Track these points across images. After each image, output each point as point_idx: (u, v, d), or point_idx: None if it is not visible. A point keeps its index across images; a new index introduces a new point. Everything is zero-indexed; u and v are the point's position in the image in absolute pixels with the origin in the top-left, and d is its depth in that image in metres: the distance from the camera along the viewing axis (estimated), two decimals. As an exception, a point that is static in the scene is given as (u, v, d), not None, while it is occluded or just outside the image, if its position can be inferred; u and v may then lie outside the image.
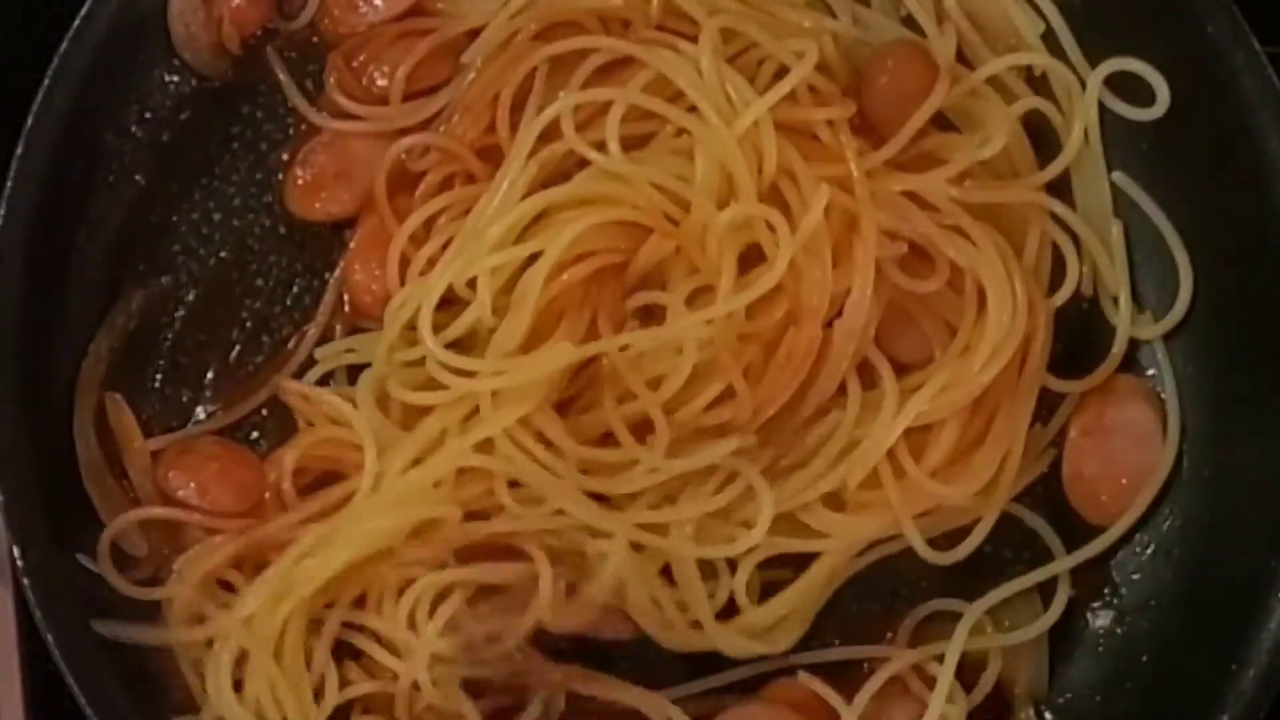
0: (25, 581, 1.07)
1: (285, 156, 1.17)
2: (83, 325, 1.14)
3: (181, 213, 1.17)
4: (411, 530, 1.10)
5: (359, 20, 1.17)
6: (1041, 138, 1.19)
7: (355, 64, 1.16)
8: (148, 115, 1.16)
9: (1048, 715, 1.18)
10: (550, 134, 1.11)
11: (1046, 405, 1.18)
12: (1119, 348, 1.18)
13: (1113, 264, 1.18)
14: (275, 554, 1.10)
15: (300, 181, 1.16)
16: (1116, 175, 1.19)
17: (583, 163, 1.11)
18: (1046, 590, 1.17)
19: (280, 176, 1.17)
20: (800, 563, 1.14)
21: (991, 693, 1.16)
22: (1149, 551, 1.17)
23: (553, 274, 1.08)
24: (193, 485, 1.11)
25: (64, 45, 1.10)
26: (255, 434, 1.16)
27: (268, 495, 1.12)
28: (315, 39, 1.18)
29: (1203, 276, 1.17)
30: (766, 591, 1.14)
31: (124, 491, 1.13)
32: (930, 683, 1.14)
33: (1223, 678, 1.12)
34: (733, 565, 1.13)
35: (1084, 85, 1.18)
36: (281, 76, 1.17)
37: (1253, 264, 1.14)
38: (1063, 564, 1.17)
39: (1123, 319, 1.18)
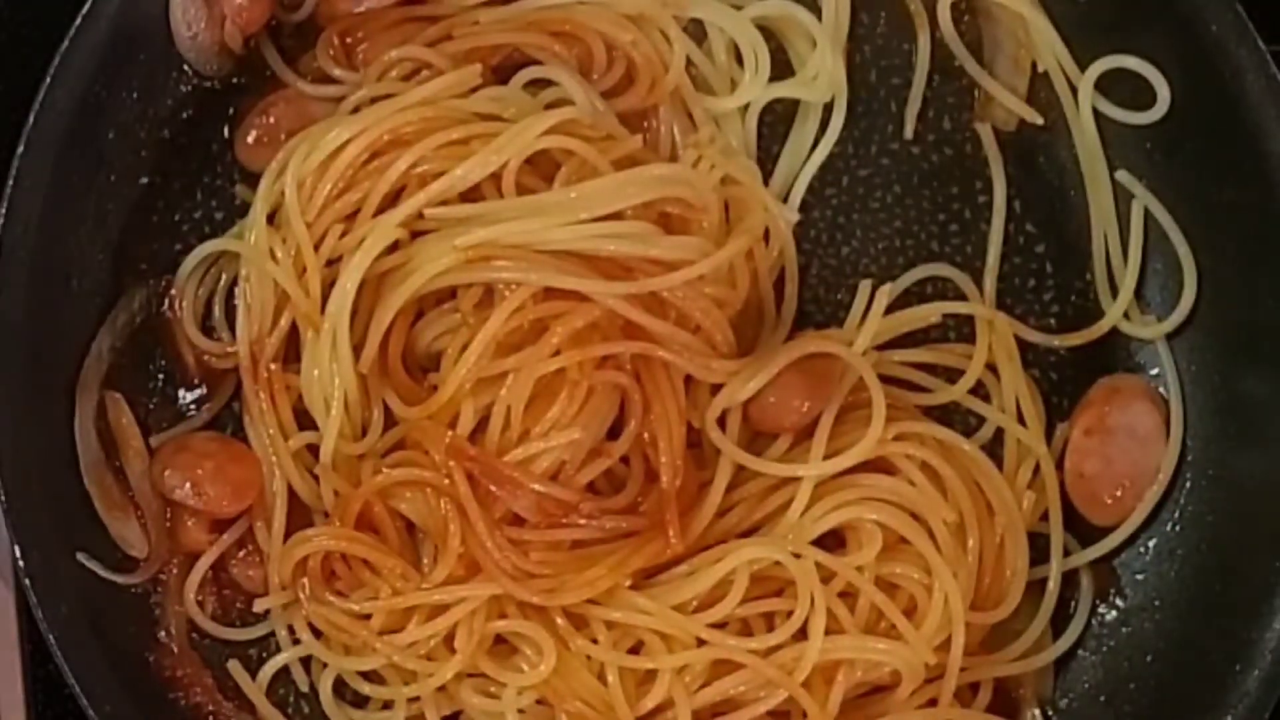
0: (26, 582, 1.06)
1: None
2: (84, 324, 1.13)
3: (184, 212, 1.17)
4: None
5: (356, 3, 1.17)
6: (1034, 142, 1.20)
7: (348, 40, 1.16)
8: (149, 114, 1.16)
9: (1052, 716, 1.17)
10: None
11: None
12: (1110, 319, 1.19)
13: (1125, 263, 1.18)
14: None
15: (253, 133, 1.16)
16: (1120, 174, 1.19)
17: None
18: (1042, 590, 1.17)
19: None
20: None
21: (996, 694, 1.16)
22: (1153, 552, 1.17)
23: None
24: (189, 485, 1.11)
25: (65, 44, 1.09)
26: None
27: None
28: (314, 26, 1.17)
29: (1207, 276, 1.16)
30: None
31: (125, 491, 1.13)
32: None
33: (1227, 679, 1.12)
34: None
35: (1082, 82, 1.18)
36: (269, 57, 1.17)
37: (1258, 263, 1.14)
38: (1067, 563, 1.17)
39: (1116, 310, 1.18)
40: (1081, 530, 1.18)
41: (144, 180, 1.16)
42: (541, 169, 1.12)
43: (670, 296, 1.11)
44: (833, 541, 1.14)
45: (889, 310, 1.17)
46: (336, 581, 1.13)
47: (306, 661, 1.15)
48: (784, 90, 1.18)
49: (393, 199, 1.11)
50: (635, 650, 1.12)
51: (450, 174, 1.10)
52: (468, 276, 1.10)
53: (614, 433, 1.12)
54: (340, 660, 1.13)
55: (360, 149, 1.11)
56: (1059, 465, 1.17)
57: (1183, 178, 1.17)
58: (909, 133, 1.20)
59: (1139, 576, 1.18)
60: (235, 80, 1.17)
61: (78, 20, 1.10)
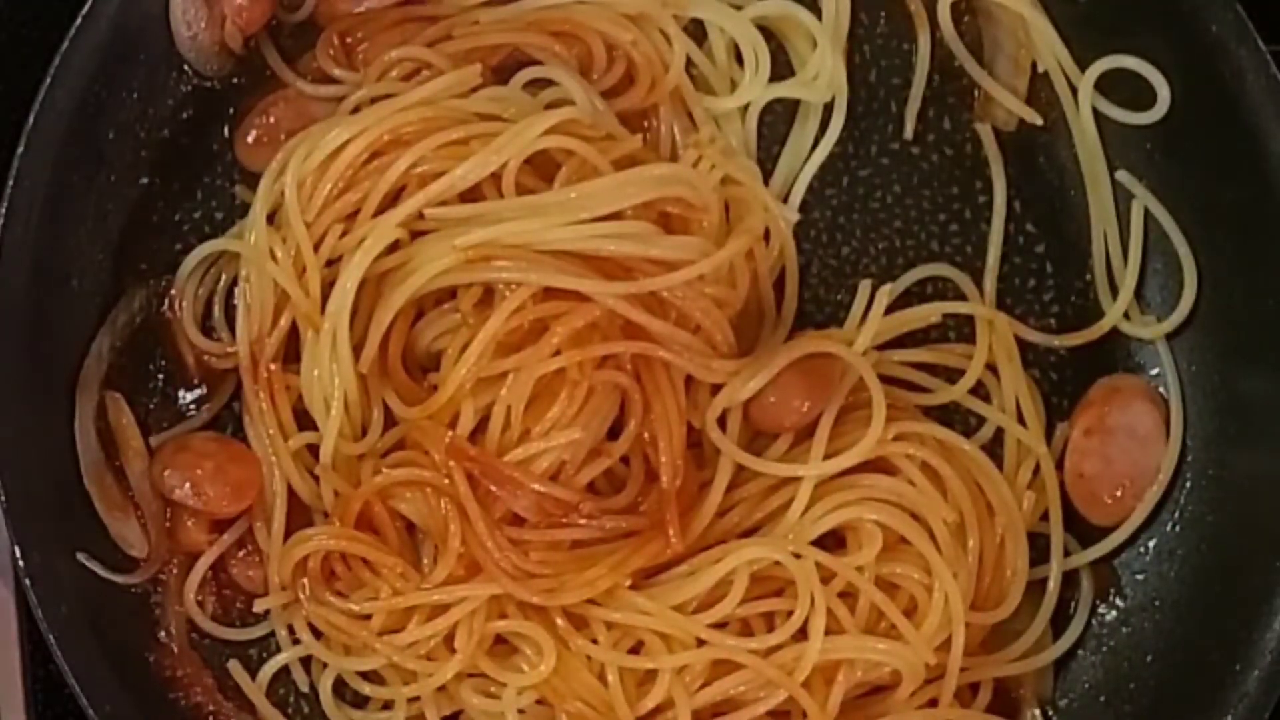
0: (26, 582, 1.06)
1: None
2: (84, 324, 1.13)
3: (184, 212, 1.17)
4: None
5: (356, 3, 1.17)
6: (1034, 142, 1.20)
7: (348, 40, 1.16)
8: (149, 114, 1.16)
9: (1052, 716, 1.17)
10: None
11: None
12: (1110, 320, 1.19)
13: (1125, 263, 1.18)
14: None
15: (253, 133, 1.16)
16: (1120, 174, 1.19)
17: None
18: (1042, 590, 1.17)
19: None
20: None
21: (997, 694, 1.16)
22: (1153, 552, 1.17)
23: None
24: (188, 485, 1.11)
25: (65, 45, 1.09)
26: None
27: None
28: (314, 26, 1.17)
29: (1207, 276, 1.16)
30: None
31: (125, 491, 1.13)
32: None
33: (1227, 679, 1.12)
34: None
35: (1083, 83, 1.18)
36: (270, 57, 1.17)
37: (1258, 263, 1.14)
38: (1067, 563, 1.17)
39: (1116, 310, 1.18)
40: (1081, 530, 1.18)
41: (144, 180, 1.16)
42: (541, 169, 1.12)
43: (670, 296, 1.11)
44: (833, 541, 1.14)
45: (889, 310, 1.17)
46: (336, 582, 1.13)
47: (306, 661, 1.15)
48: (784, 90, 1.19)
49: (393, 199, 1.11)
50: (635, 650, 1.12)
51: (450, 174, 1.10)
52: (468, 276, 1.10)
53: (614, 433, 1.12)
54: (340, 660, 1.13)
55: (360, 149, 1.11)
56: (1059, 465, 1.17)
57: (1183, 178, 1.17)
58: (909, 133, 1.20)
59: (1139, 576, 1.18)
60: (235, 80, 1.17)
61: (78, 20, 1.09)
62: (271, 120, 1.16)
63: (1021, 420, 1.17)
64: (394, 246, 1.11)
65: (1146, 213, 1.18)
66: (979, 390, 1.18)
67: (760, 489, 1.14)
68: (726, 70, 1.19)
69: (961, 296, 1.18)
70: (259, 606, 1.13)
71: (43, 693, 1.15)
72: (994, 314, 1.17)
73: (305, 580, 1.12)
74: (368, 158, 1.12)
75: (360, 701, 1.15)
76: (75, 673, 1.07)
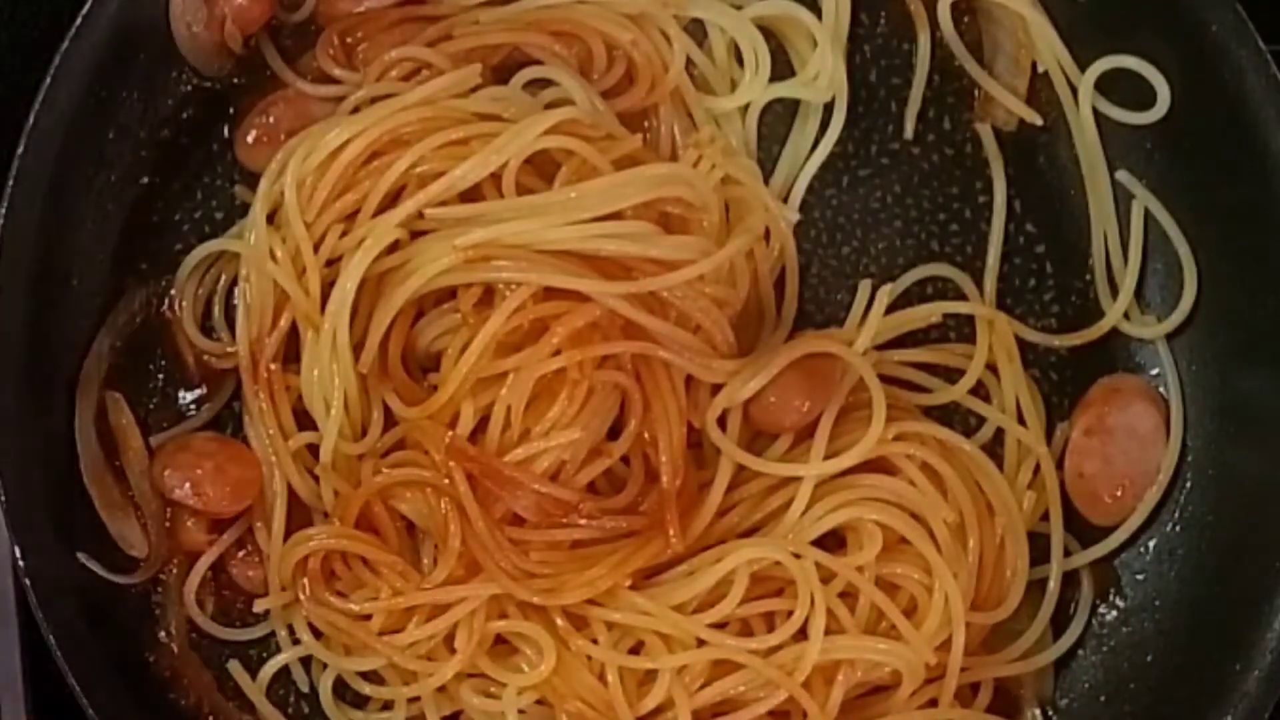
0: (26, 582, 1.06)
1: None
2: (84, 324, 1.13)
3: (184, 212, 1.17)
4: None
5: (356, 3, 1.17)
6: (1034, 142, 1.20)
7: (349, 40, 1.16)
8: (149, 114, 1.16)
9: (1053, 716, 1.17)
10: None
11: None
12: (1110, 320, 1.19)
13: (1125, 263, 1.18)
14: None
15: (253, 133, 1.16)
16: (1120, 174, 1.19)
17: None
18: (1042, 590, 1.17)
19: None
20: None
21: (997, 694, 1.16)
22: (1153, 552, 1.17)
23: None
24: (188, 485, 1.11)
25: (65, 44, 1.09)
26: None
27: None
28: (314, 26, 1.17)
29: (1207, 276, 1.17)
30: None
31: (125, 491, 1.13)
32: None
33: (1227, 678, 1.12)
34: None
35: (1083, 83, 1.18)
36: (270, 56, 1.17)
37: (1257, 263, 1.14)
38: (1068, 563, 1.17)
39: (1116, 310, 1.18)
40: (1081, 530, 1.18)
41: (144, 180, 1.16)
42: (541, 169, 1.12)
43: (670, 296, 1.11)
44: (833, 541, 1.14)
45: (889, 310, 1.17)
46: (336, 582, 1.13)
47: (306, 661, 1.15)
48: (784, 90, 1.19)
49: (393, 199, 1.11)
50: (635, 650, 1.12)
51: (450, 174, 1.10)
52: (468, 276, 1.10)
53: (614, 433, 1.12)
54: (340, 660, 1.13)
55: (360, 149, 1.11)
56: (1059, 465, 1.17)
57: (1183, 178, 1.17)
58: (909, 133, 1.20)
59: (1139, 576, 1.18)
60: (235, 80, 1.17)
61: (78, 20, 1.10)
62: (271, 120, 1.16)
63: (1021, 420, 1.17)
64: (394, 246, 1.11)
65: (1146, 213, 1.18)
66: (979, 390, 1.18)
67: (760, 489, 1.14)
68: (726, 70, 1.19)
69: (961, 296, 1.19)
70: (259, 606, 1.13)
71: (43, 693, 1.14)
72: (994, 314, 1.17)
73: (305, 580, 1.12)
74: (368, 158, 1.12)
75: (360, 701, 1.15)
76: (75, 673, 1.07)
